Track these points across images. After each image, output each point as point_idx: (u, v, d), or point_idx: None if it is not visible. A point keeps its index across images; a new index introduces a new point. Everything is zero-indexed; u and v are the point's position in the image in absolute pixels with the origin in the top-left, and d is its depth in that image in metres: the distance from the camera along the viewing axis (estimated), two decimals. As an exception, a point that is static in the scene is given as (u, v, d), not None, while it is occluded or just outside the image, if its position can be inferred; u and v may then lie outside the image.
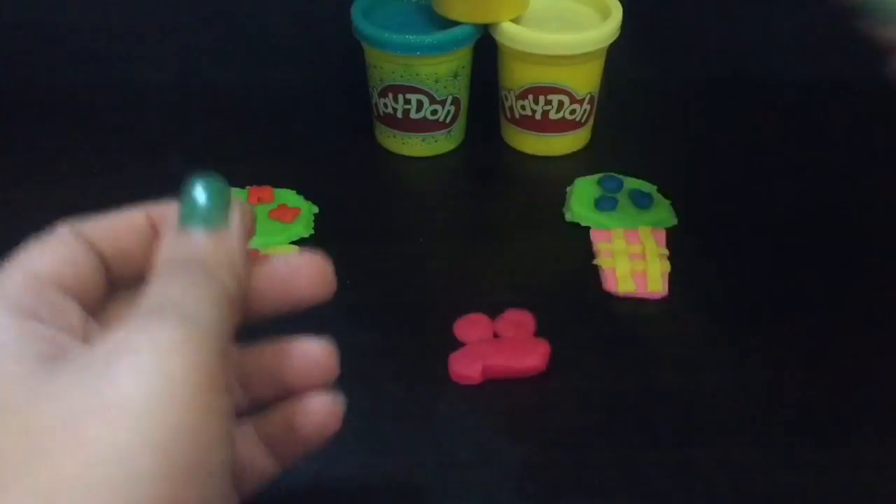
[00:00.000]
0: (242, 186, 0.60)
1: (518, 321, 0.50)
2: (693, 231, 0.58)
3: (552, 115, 0.63)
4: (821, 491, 0.42)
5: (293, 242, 0.57)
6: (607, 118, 0.68)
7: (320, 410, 0.34)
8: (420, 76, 0.61)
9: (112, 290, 0.32)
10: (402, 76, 0.61)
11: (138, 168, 0.64)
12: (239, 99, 0.73)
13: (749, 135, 0.69)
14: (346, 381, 0.47)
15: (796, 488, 0.42)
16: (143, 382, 0.24)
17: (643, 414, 0.46)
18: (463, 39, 0.61)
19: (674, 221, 0.58)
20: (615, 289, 0.53)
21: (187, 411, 0.25)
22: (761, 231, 0.58)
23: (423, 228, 0.59)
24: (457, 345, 0.49)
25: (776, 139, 0.68)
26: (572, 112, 0.63)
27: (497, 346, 0.48)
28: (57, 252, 0.30)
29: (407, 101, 0.62)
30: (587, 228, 0.58)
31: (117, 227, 0.32)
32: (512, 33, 0.61)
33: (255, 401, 0.34)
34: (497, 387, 0.47)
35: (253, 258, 0.33)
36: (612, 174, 0.61)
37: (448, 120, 0.64)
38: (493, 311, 0.51)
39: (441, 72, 0.61)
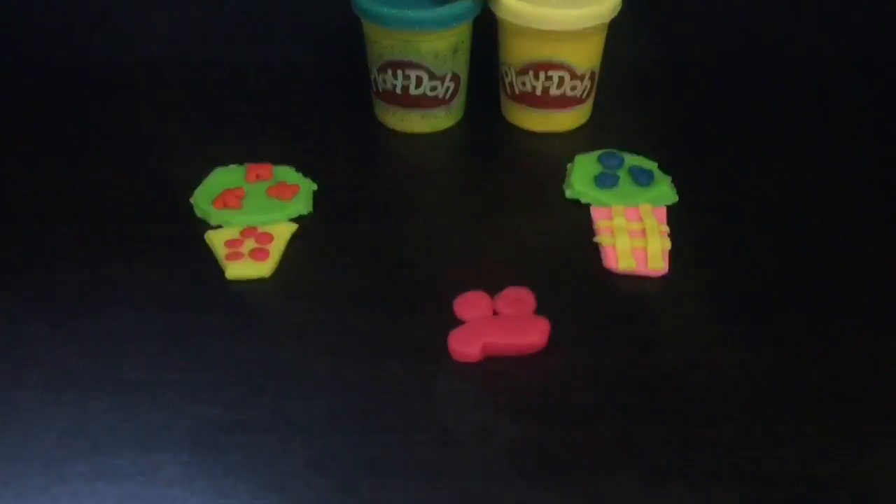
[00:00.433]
0: (241, 163, 0.60)
1: (518, 299, 0.50)
2: (694, 208, 0.58)
3: (552, 91, 0.63)
4: (821, 468, 0.42)
5: (292, 220, 0.57)
6: (608, 94, 0.68)
7: None
8: (419, 52, 0.61)
9: None
10: (401, 52, 0.61)
11: (137, 145, 0.64)
12: (238, 75, 0.72)
13: (751, 111, 0.68)
14: (345, 358, 0.47)
15: (796, 465, 0.42)
16: None
17: (643, 391, 0.46)
18: (462, 15, 0.61)
19: (675, 198, 0.58)
20: (615, 266, 0.53)
21: None
22: (762, 208, 0.58)
23: (422, 206, 0.59)
24: (456, 322, 0.49)
25: (779, 116, 0.68)
26: (573, 88, 0.63)
27: (497, 324, 0.48)
28: None
29: (406, 77, 0.62)
30: (587, 205, 0.57)
31: None
32: (512, 8, 0.60)
33: None
34: (497, 364, 0.47)
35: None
36: (613, 151, 0.61)
37: (447, 96, 0.64)
38: (493, 289, 0.51)
39: (440, 47, 0.61)
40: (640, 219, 0.56)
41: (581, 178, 0.59)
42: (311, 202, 0.58)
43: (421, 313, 0.50)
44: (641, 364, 0.47)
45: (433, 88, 0.62)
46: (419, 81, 0.62)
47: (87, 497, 0.41)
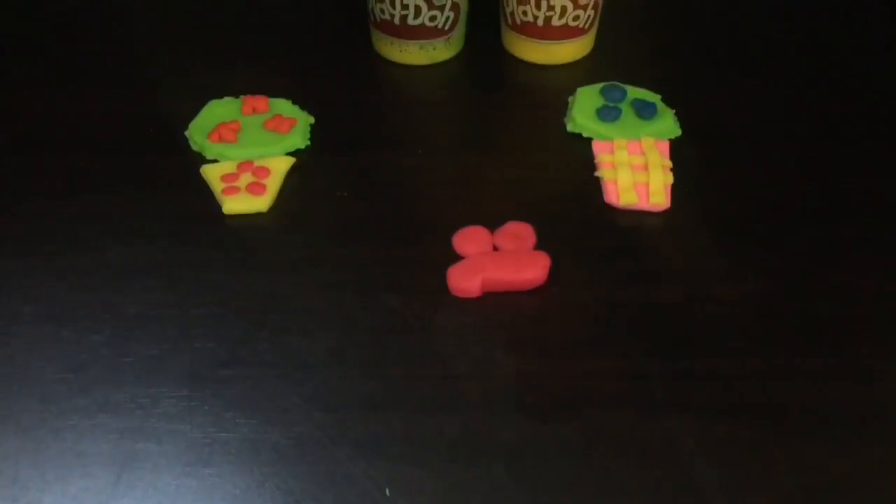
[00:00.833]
0: (237, 96, 0.59)
1: (518, 234, 0.50)
2: (697, 142, 0.57)
3: (555, 22, 0.61)
4: (820, 401, 0.42)
5: (289, 153, 0.56)
6: (611, 25, 0.66)
7: None
8: (418, -20, 0.59)
9: None
10: (399, -20, 0.59)
11: (130, 77, 0.63)
12: (233, 6, 0.71)
13: (757, 44, 0.67)
14: (344, 293, 0.47)
15: (795, 398, 0.42)
16: None
17: (642, 326, 0.46)
18: (462, -59, 0.59)
19: (678, 132, 0.57)
20: (616, 201, 0.52)
21: None
22: (766, 143, 0.57)
23: (421, 139, 0.58)
24: (455, 258, 0.48)
25: (785, 49, 0.66)
26: (575, 18, 0.61)
27: (496, 259, 0.48)
28: None
29: (404, 7, 0.60)
30: (589, 139, 0.57)
31: None
32: (513, -66, 0.58)
33: None
34: (496, 300, 0.47)
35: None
36: (616, 83, 0.60)
37: (447, 26, 0.62)
38: (493, 224, 0.50)
39: (440, -25, 0.59)
40: (643, 153, 0.55)
41: (583, 111, 0.58)
42: (308, 135, 0.57)
43: (420, 248, 0.50)
44: (641, 298, 0.47)
45: (432, 18, 0.61)
46: (418, 11, 0.60)
47: (87, 431, 0.41)
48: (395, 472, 0.40)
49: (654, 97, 0.59)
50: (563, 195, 0.54)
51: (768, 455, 0.40)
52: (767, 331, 0.46)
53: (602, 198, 0.53)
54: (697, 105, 0.59)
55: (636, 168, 0.54)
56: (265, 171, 0.53)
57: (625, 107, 0.58)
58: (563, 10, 0.61)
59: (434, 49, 0.63)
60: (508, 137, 0.59)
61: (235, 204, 0.52)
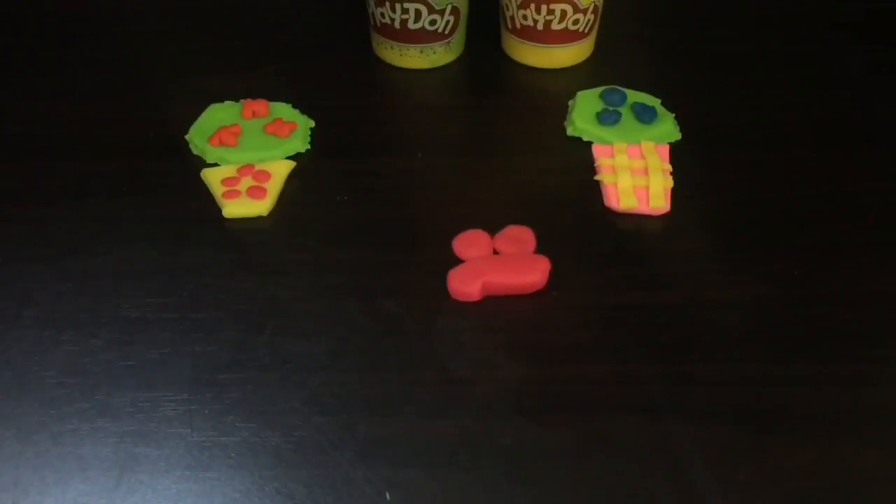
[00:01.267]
0: (237, 100, 0.59)
1: (518, 237, 0.50)
2: (697, 146, 0.57)
3: (554, 26, 0.61)
4: (819, 405, 0.42)
5: (290, 157, 0.56)
6: (611, 29, 0.66)
7: None
8: (418, -16, 0.59)
9: None
10: (399, -16, 0.59)
11: (131, 80, 0.63)
12: (233, 10, 0.71)
13: (757, 48, 0.67)
14: (344, 297, 0.47)
15: (795, 402, 0.42)
16: None
17: (642, 330, 0.46)
18: (462, -55, 0.59)
19: (677, 136, 0.57)
20: (617, 205, 0.52)
21: None
22: (765, 147, 0.57)
23: (421, 143, 0.58)
24: (456, 261, 0.48)
25: (784, 53, 0.66)
26: (575, 22, 0.62)
27: (496, 263, 0.48)
28: None
29: (405, 11, 0.60)
30: (589, 143, 0.57)
31: None
32: (513, -61, 0.58)
33: None
34: (496, 303, 0.47)
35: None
36: (616, 87, 0.60)
37: (447, 30, 0.62)
38: (493, 228, 0.50)
39: (440, -20, 0.59)
40: (643, 156, 0.55)
41: (583, 114, 0.58)
42: (308, 139, 0.57)
43: (420, 252, 0.50)
44: (641, 303, 0.47)
45: (432, 22, 0.61)
46: (418, 15, 0.60)
47: (87, 435, 0.41)
48: (395, 475, 0.40)
49: (653, 101, 0.59)
50: (563, 199, 0.54)
51: (768, 459, 0.40)
52: (767, 335, 0.46)
53: (602, 201, 0.53)
54: (697, 109, 0.59)
55: (636, 172, 0.54)
56: (265, 175, 0.53)
57: (625, 111, 0.58)
58: (564, 14, 0.61)
59: (434, 53, 0.63)
60: (508, 141, 0.59)
61: (236, 208, 0.52)
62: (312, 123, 0.59)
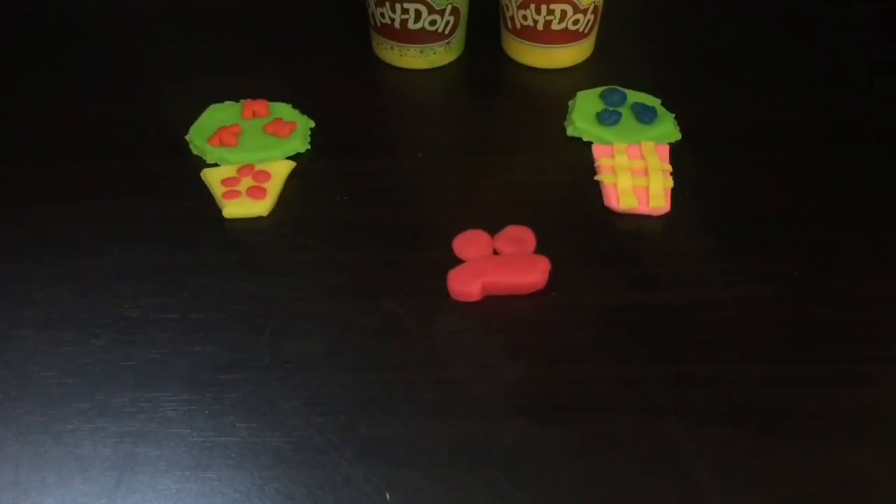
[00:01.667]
0: (237, 100, 0.59)
1: (518, 237, 0.50)
2: (697, 146, 0.57)
3: (554, 26, 0.61)
4: (819, 405, 0.42)
5: (290, 157, 0.56)
6: (611, 29, 0.66)
7: None
8: (418, -16, 0.59)
9: None
10: (399, -16, 0.59)
11: (131, 80, 0.63)
12: (233, 11, 0.71)
13: (757, 48, 0.67)
14: (344, 297, 0.47)
15: (795, 402, 0.42)
16: None
17: (642, 330, 0.46)
18: (462, -55, 0.59)
19: (677, 136, 0.57)
20: (617, 205, 0.52)
21: None
22: (765, 147, 0.57)
23: (421, 143, 0.58)
24: (456, 262, 0.48)
25: (784, 53, 0.66)
26: (575, 22, 0.61)
27: (496, 263, 0.48)
28: None
29: (405, 11, 0.60)
30: (589, 143, 0.57)
31: None
32: (513, -61, 0.58)
33: None
34: (496, 304, 0.47)
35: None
36: (616, 87, 0.60)
37: (447, 31, 0.62)
38: (493, 228, 0.50)
39: (440, -20, 0.59)
40: (642, 157, 0.55)
41: (583, 115, 0.58)
42: (308, 139, 0.57)
43: (420, 252, 0.50)
44: (641, 303, 0.47)
45: (432, 23, 0.61)
46: (418, 15, 0.60)
47: (87, 435, 0.41)
48: (395, 476, 0.40)
49: (653, 101, 0.59)
50: (563, 199, 0.54)
51: (768, 459, 0.40)
52: (767, 335, 0.46)
53: (602, 202, 0.53)
54: (697, 109, 0.59)
55: (636, 172, 0.54)
56: (266, 175, 0.53)
57: (625, 111, 0.58)
58: (564, 14, 0.61)
59: (434, 53, 0.63)
60: (508, 141, 0.59)
61: (236, 208, 0.52)
62: (312, 123, 0.59)
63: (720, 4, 0.72)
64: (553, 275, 0.48)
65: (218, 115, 0.58)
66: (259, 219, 0.52)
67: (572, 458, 0.40)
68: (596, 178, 0.54)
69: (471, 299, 0.47)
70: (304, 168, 0.55)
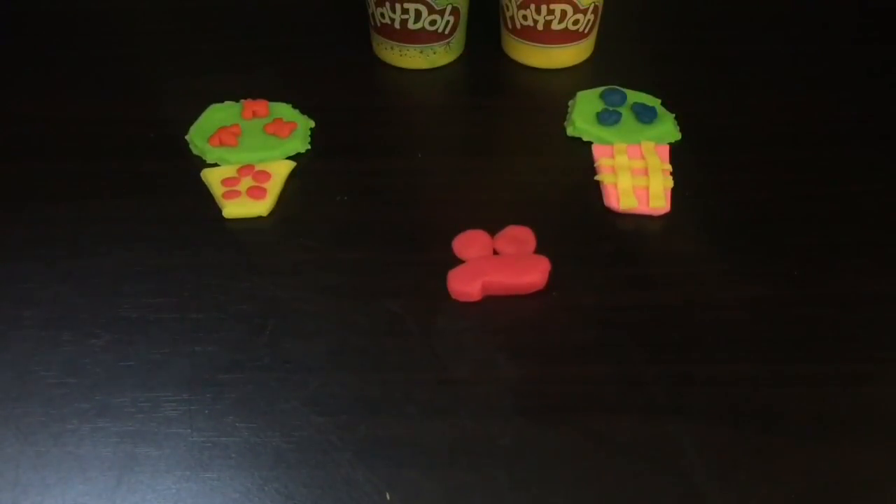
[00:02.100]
0: (237, 100, 0.59)
1: (518, 238, 0.50)
2: (697, 146, 0.57)
3: (555, 26, 0.61)
4: (819, 405, 0.42)
5: (290, 157, 0.56)
6: (611, 29, 0.66)
7: None
8: (418, -16, 0.59)
9: None
10: (399, -16, 0.59)
11: (130, 80, 0.63)
12: (234, 10, 0.71)
13: (757, 48, 0.67)
14: (344, 297, 0.47)
15: (795, 402, 0.42)
16: None
17: (642, 330, 0.46)
18: (462, -55, 0.59)
19: (677, 136, 0.57)
20: (617, 205, 0.52)
21: None
22: (765, 147, 0.57)
23: (421, 143, 0.58)
24: (456, 262, 0.48)
25: (784, 53, 0.66)
26: (575, 22, 0.61)
27: (497, 263, 0.48)
28: None
29: (405, 11, 0.60)
30: (589, 143, 0.57)
31: None
32: (513, -61, 0.58)
33: None
34: (496, 304, 0.47)
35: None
36: (616, 87, 0.60)
37: (447, 31, 0.62)
38: (493, 228, 0.50)
39: (440, -20, 0.59)
40: (643, 157, 0.55)
41: (583, 115, 0.58)
42: (308, 139, 0.57)
43: (420, 252, 0.50)
44: (641, 303, 0.47)
45: (432, 23, 0.61)
46: (418, 15, 0.60)
47: (87, 435, 0.41)
48: (395, 476, 0.40)
49: (654, 101, 0.59)
50: (563, 199, 0.54)
51: (768, 459, 0.40)
52: (767, 335, 0.45)
53: (602, 202, 0.53)
54: (697, 109, 0.59)
55: (636, 172, 0.54)
56: (265, 175, 0.53)
57: (625, 111, 0.58)
58: (564, 14, 0.61)
59: (434, 53, 0.63)
60: (508, 141, 0.59)
61: (236, 208, 0.52)
62: (312, 123, 0.59)
63: (720, 4, 0.72)
64: (553, 275, 0.48)
65: (218, 115, 0.58)
66: (259, 219, 0.52)
67: (572, 458, 0.40)
68: (596, 178, 0.54)
69: (471, 299, 0.47)
70: (304, 168, 0.55)
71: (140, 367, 0.44)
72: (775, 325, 0.46)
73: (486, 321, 0.46)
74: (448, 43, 0.63)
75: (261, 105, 0.58)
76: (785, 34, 0.68)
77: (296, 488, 0.39)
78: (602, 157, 0.55)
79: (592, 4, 0.61)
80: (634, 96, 0.59)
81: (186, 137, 0.57)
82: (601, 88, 0.60)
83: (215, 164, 0.55)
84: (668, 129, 0.57)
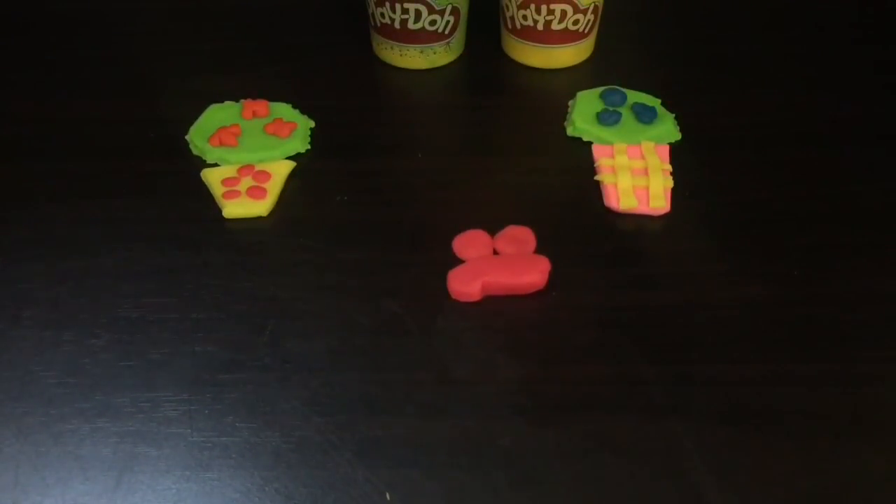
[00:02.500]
0: (237, 100, 0.59)
1: (518, 237, 0.50)
2: (697, 146, 0.57)
3: (554, 26, 0.61)
4: (819, 405, 0.42)
5: (290, 157, 0.56)
6: (611, 29, 0.66)
7: None
8: (418, -16, 0.59)
9: None
10: (399, -16, 0.59)
11: (130, 80, 0.63)
12: (233, 10, 0.71)
13: (757, 48, 0.67)
14: (344, 297, 0.47)
15: (795, 402, 0.42)
16: None
17: (642, 330, 0.46)
18: (462, -55, 0.59)
19: (678, 136, 0.57)
20: (617, 205, 0.52)
21: None
22: (765, 147, 0.57)
23: (421, 143, 0.58)
24: (456, 262, 0.48)
25: (784, 53, 0.66)
26: (575, 22, 0.61)
27: (497, 263, 0.48)
28: None
29: (405, 11, 0.60)
30: (589, 143, 0.57)
31: None
32: (513, -61, 0.58)
33: None
34: (496, 304, 0.47)
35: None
36: (616, 87, 0.60)
37: (447, 31, 0.62)
38: (493, 228, 0.50)
39: (440, -20, 0.59)
40: (643, 157, 0.55)
41: (583, 115, 0.58)
42: (308, 139, 0.57)
43: (420, 252, 0.50)
44: (641, 303, 0.47)
45: (433, 23, 0.61)
46: (418, 15, 0.60)
47: (87, 435, 0.41)
48: (395, 476, 0.40)
49: (654, 101, 0.59)
50: (563, 199, 0.54)
51: (768, 459, 0.40)
52: (767, 335, 0.45)
53: (602, 202, 0.53)
54: (697, 109, 0.59)
55: (636, 172, 0.54)
56: (266, 175, 0.53)
57: (625, 111, 0.58)
58: (564, 14, 0.61)
59: (434, 53, 0.63)
60: (508, 141, 0.59)
61: (236, 208, 0.52)
62: (312, 123, 0.59)
63: (720, 4, 0.72)
64: (553, 275, 0.48)
65: (218, 115, 0.58)
66: (259, 219, 0.52)
67: (572, 458, 0.40)
68: (596, 178, 0.54)
69: (471, 299, 0.47)
70: (304, 168, 0.55)
71: (140, 367, 0.44)
72: (775, 325, 0.46)
73: (487, 321, 0.46)
74: (448, 43, 0.63)
75: (261, 105, 0.58)
76: (785, 34, 0.68)
77: (296, 488, 0.39)
78: (602, 157, 0.55)
79: (592, 4, 0.61)
80: (634, 96, 0.59)
81: (186, 137, 0.57)
82: (601, 88, 0.60)
83: (215, 164, 0.55)
84: (668, 129, 0.57)
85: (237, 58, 0.65)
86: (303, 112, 0.59)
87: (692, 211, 0.53)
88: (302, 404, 0.42)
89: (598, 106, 0.59)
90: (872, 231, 0.51)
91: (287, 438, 0.41)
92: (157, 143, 0.57)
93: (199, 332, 0.45)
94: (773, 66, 0.65)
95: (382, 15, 0.61)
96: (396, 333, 0.46)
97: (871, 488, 0.40)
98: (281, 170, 0.54)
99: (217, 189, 0.53)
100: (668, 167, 0.54)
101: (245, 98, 0.59)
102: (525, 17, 0.62)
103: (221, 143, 0.55)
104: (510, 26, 0.63)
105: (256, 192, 0.52)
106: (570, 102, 0.60)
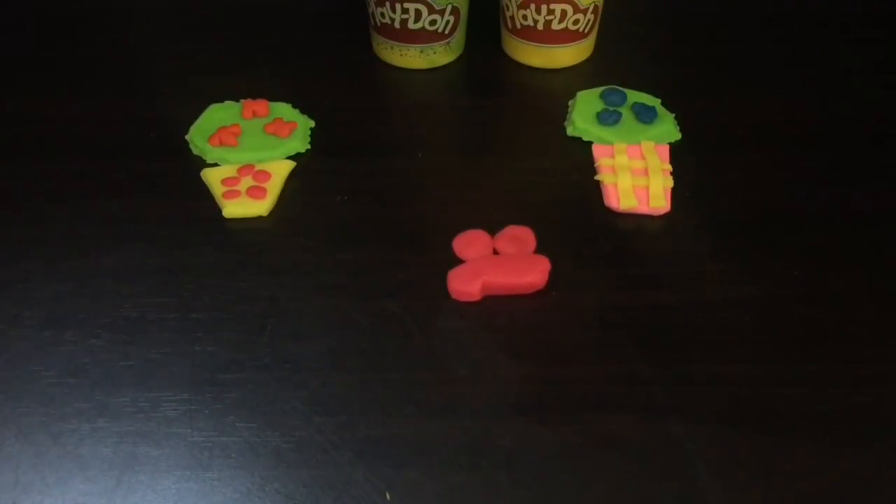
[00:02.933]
0: (237, 100, 0.59)
1: (518, 237, 0.50)
2: (697, 146, 0.57)
3: (555, 26, 0.61)
4: (819, 405, 0.42)
5: (290, 157, 0.56)
6: (611, 29, 0.66)
7: None
8: (418, -16, 0.59)
9: None
10: (399, -16, 0.59)
11: (130, 80, 0.63)
12: (234, 10, 0.71)
13: (757, 48, 0.67)
14: (344, 297, 0.47)
15: (795, 403, 0.42)
16: None
17: (642, 330, 0.46)
18: (462, -55, 0.59)
19: (678, 136, 0.57)
20: (617, 205, 0.52)
21: None
22: (766, 147, 0.57)
23: (421, 143, 0.58)
24: (456, 261, 0.48)
25: (784, 53, 0.66)
26: (575, 22, 0.61)
27: (496, 263, 0.48)
28: None
29: (405, 11, 0.60)
30: (589, 143, 0.57)
31: None
32: (513, -61, 0.58)
33: None
34: (496, 303, 0.47)
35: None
36: (616, 87, 0.60)
37: (447, 30, 0.62)
38: (493, 228, 0.50)
39: (440, -20, 0.59)
40: (643, 157, 0.55)
41: (583, 114, 0.58)
42: (308, 139, 0.57)
43: (420, 252, 0.50)
44: (641, 303, 0.47)
45: (432, 22, 0.61)
46: (418, 15, 0.60)
47: (87, 435, 0.41)
48: (395, 476, 0.40)
49: (654, 101, 0.59)
50: (563, 199, 0.54)
51: (768, 459, 0.40)
52: (767, 335, 0.45)
53: (602, 201, 0.53)
54: (697, 109, 0.59)
55: (636, 172, 0.54)
56: (266, 175, 0.53)
57: (625, 111, 0.58)
58: (564, 14, 0.61)
59: (434, 53, 0.63)
60: (508, 141, 0.59)
61: (236, 208, 0.52)
62: (312, 123, 0.59)
63: (720, 4, 0.72)
64: (553, 275, 0.48)
65: (218, 115, 0.58)
66: (259, 219, 0.52)
67: (572, 458, 0.40)
68: (596, 178, 0.54)
69: (471, 299, 0.47)
70: (304, 168, 0.55)
71: (140, 367, 0.44)
72: (775, 325, 0.46)
73: (487, 321, 0.46)
74: (448, 43, 0.63)
75: (261, 105, 0.58)
76: (785, 34, 0.68)
77: (296, 488, 0.39)
78: (602, 157, 0.55)
79: (592, 4, 0.61)
80: (634, 96, 0.59)
81: (186, 137, 0.57)
82: (601, 88, 0.60)
83: (215, 164, 0.55)
84: (668, 129, 0.57)
85: (237, 58, 0.65)
86: (303, 112, 0.59)
87: (692, 211, 0.53)
88: (302, 404, 0.42)
89: (598, 106, 0.59)
90: (872, 231, 0.51)
91: (287, 438, 0.41)
92: (157, 143, 0.57)
93: (199, 332, 0.45)
94: (773, 66, 0.65)
95: (382, 15, 0.61)
96: (396, 333, 0.46)
97: (871, 488, 0.40)
98: (281, 170, 0.54)
99: (217, 189, 0.53)
100: (668, 167, 0.54)
101: (245, 98, 0.59)
102: (525, 17, 0.62)
103: (221, 143, 0.55)
104: (510, 26, 0.63)
105: (256, 192, 0.52)
106: (570, 102, 0.60)
